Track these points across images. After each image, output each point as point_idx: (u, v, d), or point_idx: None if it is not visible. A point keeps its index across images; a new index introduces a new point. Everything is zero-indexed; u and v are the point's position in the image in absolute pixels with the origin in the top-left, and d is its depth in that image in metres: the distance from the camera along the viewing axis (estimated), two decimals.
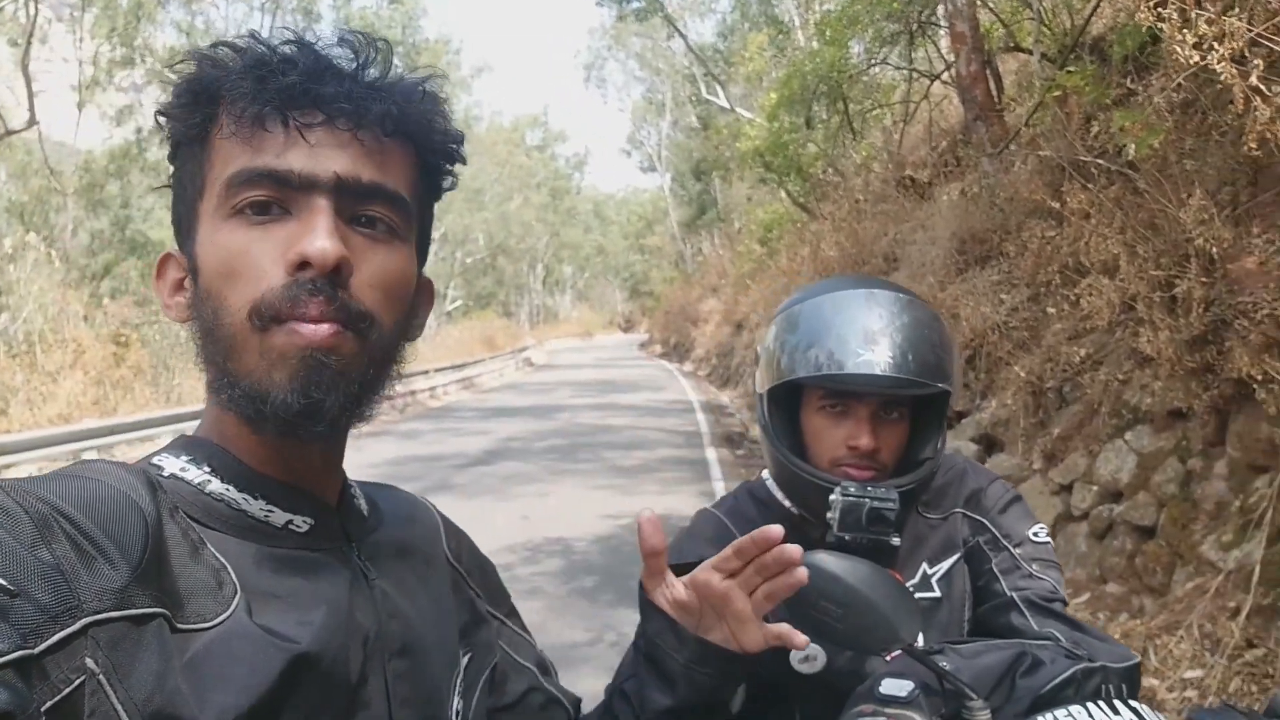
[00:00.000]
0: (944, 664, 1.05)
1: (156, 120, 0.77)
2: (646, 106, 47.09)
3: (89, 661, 0.57)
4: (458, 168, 0.85)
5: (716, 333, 25.39)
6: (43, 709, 0.53)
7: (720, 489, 9.32)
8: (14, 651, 0.51)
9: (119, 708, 0.58)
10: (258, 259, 0.71)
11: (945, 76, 11.47)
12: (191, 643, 0.64)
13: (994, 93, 9.45)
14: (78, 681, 0.56)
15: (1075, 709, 1.06)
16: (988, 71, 9.43)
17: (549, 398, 19.05)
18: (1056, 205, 5.98)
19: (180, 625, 0.64)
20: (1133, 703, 1.10)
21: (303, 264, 0.70)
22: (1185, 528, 4.28)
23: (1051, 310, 6.61)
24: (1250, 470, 4.04)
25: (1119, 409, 5.22)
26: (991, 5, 10.05)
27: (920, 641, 1.16)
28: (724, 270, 26.96)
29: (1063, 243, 6.34)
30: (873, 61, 13.03)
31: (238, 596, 0.69)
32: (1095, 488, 5.15)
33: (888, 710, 1.02)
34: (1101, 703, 1.08)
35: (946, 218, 9.08)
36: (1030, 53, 9.15)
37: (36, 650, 0.54)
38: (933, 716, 1.03)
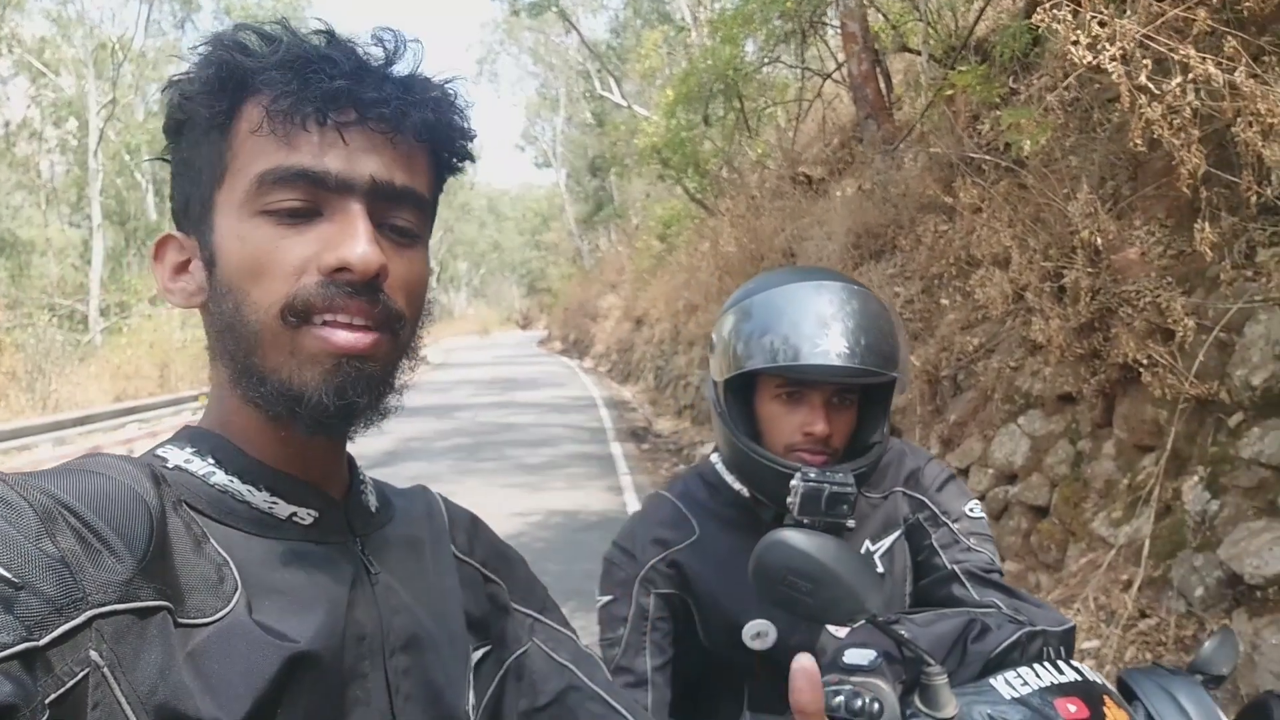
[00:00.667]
0: (903, 633, 1.10)
1: (169, 99, 0.75)
2: (540, 102, 46.82)
3: (93, 654, 0.56)
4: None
5: (616, 329, 25.47)
6: (47, 701, 0.52)
7: (628, 483, 9.37)
8: (19, 644, 0.51)
9: (123, 700, 0.57)
10: (289, 259, 0.70)
11: (837, 75, 11.75)
12: (191, 638, 0.64)
13: (884, 91, 9.73)
14: (82, 674, 0.55)
15: (1023, 670, 1.12)
16: (878, 71, 9.71)
17: (448, 397, 18.81)
18: (949, 200, 6.20)
19: (181, 620, 0.64)
20: (1074, 662, 1.17)
21: (341, 269, 0.70)
22: (1077, 506, 4.50)
23: (945, 301, 6.85)
24: (1137, 450, 4.27)
25: (1012, 395, 5.44)
26: (880, 7, 10.34)
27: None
28: (622, 266, 27.06)
29: (955, 236, 6.57)
30: (766, 60, 13.25)
31: (238, 592, 0.68)
32: (991, 471, 5.36)
33: (853, 679, 1.06)
34: (1046, 663, 1.15)
35: (841, 213, 9.30)
36: (919, 53, 9.45)
37: (42, 642, 0.53)
38: (895, 683, 1.09)
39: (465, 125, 0.80)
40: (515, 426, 14.14)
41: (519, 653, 0.93)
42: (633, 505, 8.11)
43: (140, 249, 33.05)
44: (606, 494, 8.94)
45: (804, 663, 0.76)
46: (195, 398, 15.93)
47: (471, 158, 0.83)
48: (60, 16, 30.04)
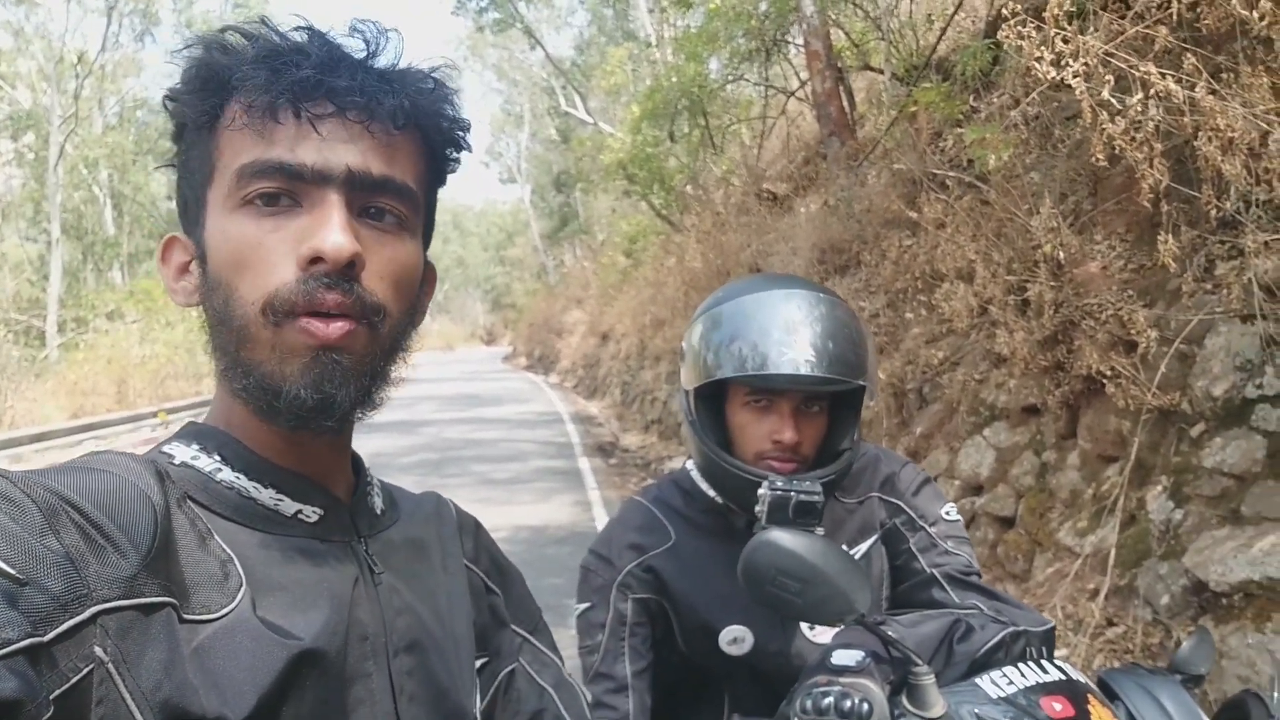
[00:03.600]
0: (890, 633, 1.11)
1: (164, 104, 0.76)
2: (505, 118, 46.82)
3: (98, 650, 0.56)
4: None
5: (582, 344, 25.42)
6: (51, 697, 0.52)
7: (596, 498, 9.34)
8: (24, 639, 0.50)
9: (127, 697, 0.57)
10: (269, 252, 0.71)
11: (800, 93, 11.87)
12: (197, 634, 0.64)
13: (847, 109, 9.83)
14: (86, 670, 0.55)
15: (1009, 670, 1.13)
16: (841, 89, 9.81)
17: (412, 413, 18.63)
18: (913, 215, 6.27)
19: (186, 616, 0.63)
20: (1057, 661, 1.18)
21: (316, 259, 0.70)
22: (1043, 517, 4.54)
23: (910, 315, 6.91)
24: (1101, 460, 4.32)
25: (977, 407, 5.50)
26: (843, 26, 10.47)
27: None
28: (588, 282, 27.03)
29: (919, 251, 6.64)
30: (730, 77, 13.36)
31: (243, 589, 0.68)
32: (957, 482, 5.40)
33: (842, 680, 1.06)
34: (1030, 663, 1.16)
35: (806, 229, 9.37)
36: (881, 72, 9.57)
37: (46, 638, 0.52)
38: (883, 683, 1.09)
39: (454, 112, 0.80)
40: (481, 442, 14.05)
41: (510, 667, 0.94)
42: (601, 520, 8.09)
43: (98, 264, 32.57)
44: (574, 508, 8.91)
45: None
46: (154, 414, 15.70)
47: (466, 146, 0.83)
48: (20, 30, 29.62)
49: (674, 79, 13.37)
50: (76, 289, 30.08)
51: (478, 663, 0.89)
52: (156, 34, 33.39)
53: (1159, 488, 3.78)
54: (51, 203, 27.91)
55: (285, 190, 0.72)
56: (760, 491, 1.33)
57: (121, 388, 18.77)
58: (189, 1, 33.20)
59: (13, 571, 0.52)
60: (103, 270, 32.94)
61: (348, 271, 0.71)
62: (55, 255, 27.91)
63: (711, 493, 1.53)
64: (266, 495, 0.75)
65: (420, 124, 0.78)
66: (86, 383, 18.39)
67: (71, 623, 0.54)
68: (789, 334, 1.38)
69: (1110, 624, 3.66)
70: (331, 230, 0.70)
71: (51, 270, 27.90)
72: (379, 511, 0.86)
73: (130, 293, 24.46)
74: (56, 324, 26.81)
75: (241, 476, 0.75)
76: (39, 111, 29.71)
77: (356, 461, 0.86)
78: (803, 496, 1.30)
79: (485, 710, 0.89)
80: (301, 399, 0.71)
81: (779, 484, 1.32)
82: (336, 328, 0.71)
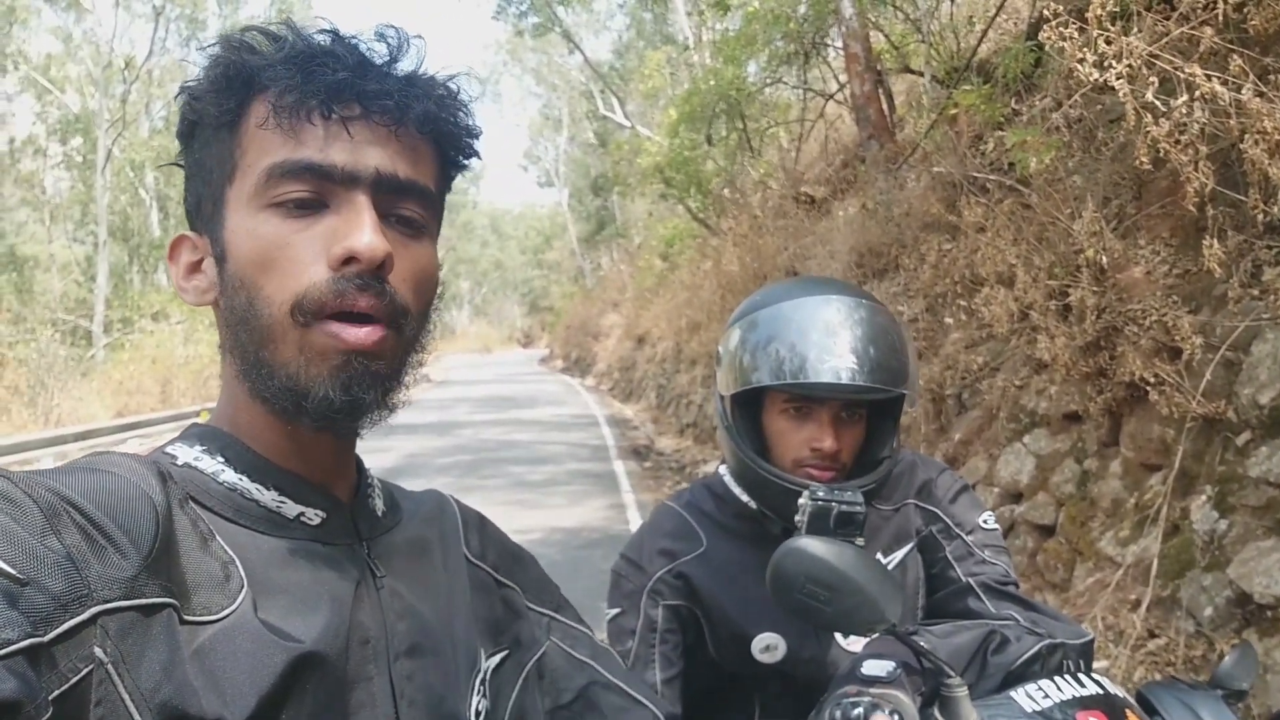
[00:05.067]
0: (922, 644, 1.09)
1: (189, 104, 0.76)
2: (543, 122, 47.02)
3: (97, 650, 0.56)
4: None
5: (618, 347, 25.45)
6: (50, 698, 0.52)
7: (630, 500, 9.33)
8: (24, 639, 0.50)
9: (126, 698, 0.57)
10: (298, 252, 0.71)
11: (839, 96, 11.80)
12: (197, 635, 0.64)
13: (886, 112, 9.75)
14: (86, 670, 0.55)
15: (1045, 683, 1.11)
16: (880, 91, 9.74)
17: (449, 414, 18.76)
18: (952, 219, 6.20)
19: (187, 617, 0.63)
20: (1095, 675, 1.15)
21: (349, 259, 0.70)
22: (1084, 525, 4.47)
23: (949, 320, 6.84)
24: (1144, 469, 4.24)
25: (1017, 413, 5.42)
26: (882, 28, 10.39)
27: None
28: (624, 285, 27.06)
29: (959, 255, 6.57)
30: (769, 80, 13.32)
31: (244, 590, 0.68)
32: (996, 489, 5.33)
33: (872, 690, 1.05)
34: (1067, 676, 1.13)
35: (844, 232, 9.31)
36: (921, 74, 9.49)
37: (46, 638, 0.52)
38: (914, 694, 1.07)
39: (469, 121, 0.80)
40: (516, 444, 14.10)
41: (538, 654, 0.93)
42: (635, 523, 8.08)
43: (144, 265, 33.12)
44: (609, 511, 8.91)
45: None
46: (197, 413, 15.92)
47: (477, 154, 0.83)
48: (70, 35, 30.23)
49: (712, 82, 13.35)
50: (123, 290, 30.59)
51: (498, 657, 0.89)
52: (202, 39, 33.82)
53: (1203, 497, 3.70)
54: (99, 205, 28.41)
55: (314, 192, 0.72)
56: (801, 501, 1.31)
57: (165, 387, 19.07)
58: (234, 7, 33.66)
59: (13, 571, 0.52)
60: (148, 271, 33.48)
61: (379, 272, 0.71)
62: (102, 257, 28.42)
63: (745, 498, 1.51)
64: (269, 497, 0.75)
65: (439, 130, 0.78)
66: (131, 382, 18.72)
67: (72, 623, 0.54)
68: (829, 340, 1.35)
69: (1152, 636, 3.59)
70: (365, 231, 0.71)
71: (98, 271, 28.41)
72: (380, 514, 0.86)
73: (175, 294, 24.79)
74: (103, 324, 27.29)
75: (244, 478, 0.75)
76: (87, 115, 30.28)
77: (357, 462, 0.86)
78: (844, 507, 1.28)
79: (517, 701, 0.88)
80: (330, 400, 0.71)
81: (821, 493, 1.30)
82: (367, 333, 0.71)
